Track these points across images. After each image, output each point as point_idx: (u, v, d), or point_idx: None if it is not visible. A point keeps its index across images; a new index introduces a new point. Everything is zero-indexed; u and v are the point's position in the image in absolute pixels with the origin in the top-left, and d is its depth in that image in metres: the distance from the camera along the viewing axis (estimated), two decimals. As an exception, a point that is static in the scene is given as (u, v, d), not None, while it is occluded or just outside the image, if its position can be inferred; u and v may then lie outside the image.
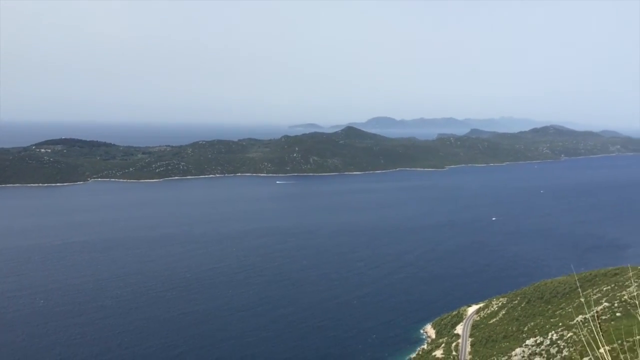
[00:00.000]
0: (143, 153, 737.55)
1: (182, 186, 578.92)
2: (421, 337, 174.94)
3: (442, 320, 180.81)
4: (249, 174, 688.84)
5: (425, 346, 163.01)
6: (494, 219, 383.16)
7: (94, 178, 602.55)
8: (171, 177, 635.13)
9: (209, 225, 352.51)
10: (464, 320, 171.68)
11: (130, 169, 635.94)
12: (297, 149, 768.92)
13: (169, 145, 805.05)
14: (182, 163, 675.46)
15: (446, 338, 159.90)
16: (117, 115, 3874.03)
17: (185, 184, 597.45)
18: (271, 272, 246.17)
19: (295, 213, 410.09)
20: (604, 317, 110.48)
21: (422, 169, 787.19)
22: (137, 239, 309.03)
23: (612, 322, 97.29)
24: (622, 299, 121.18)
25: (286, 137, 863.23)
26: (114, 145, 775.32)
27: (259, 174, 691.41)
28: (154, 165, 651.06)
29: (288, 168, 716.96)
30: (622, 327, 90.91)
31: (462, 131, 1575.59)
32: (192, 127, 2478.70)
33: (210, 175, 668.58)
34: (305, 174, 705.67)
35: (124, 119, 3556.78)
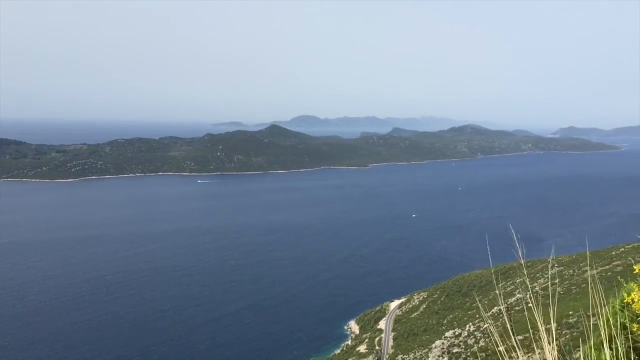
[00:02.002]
0: (57, 152, 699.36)
1: (101, 186, 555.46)
2: (345, 333, 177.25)
3: (365, 315, 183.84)
4: (171, 173, 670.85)
5: (349, 342, 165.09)
6: (413, 215, 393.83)
7: (3, 178, 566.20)
8: (88, 176, 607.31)
9: (131, 225, 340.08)
10: (387, 315, 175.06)
11: (44, 169, 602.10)
12: (220, 147, 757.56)
13: (85, 144, 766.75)
14: (100, 162, 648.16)
15: (369, 333, 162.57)
16: (23, 112, 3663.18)
17: (104, 184, 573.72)
18: (198, 273, 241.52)
19: (220, 213, 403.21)
20: (517, 308, 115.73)
21: (346, 168, 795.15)
22: (55, 241, 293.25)
23: (525, 313, 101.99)
24: (534, 290, 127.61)
25: (209, 135, 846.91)
26: (24, 143, 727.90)
27: (182, 173, 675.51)
28: (69, 165, 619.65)
29: (212, 167, 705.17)
30: (533, 317, 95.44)
31: (384, 130, 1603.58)
32: (109, 124, 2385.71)
33: (130, 175, 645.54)
34: (229, 172, 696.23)
35: (32, 115, 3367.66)
